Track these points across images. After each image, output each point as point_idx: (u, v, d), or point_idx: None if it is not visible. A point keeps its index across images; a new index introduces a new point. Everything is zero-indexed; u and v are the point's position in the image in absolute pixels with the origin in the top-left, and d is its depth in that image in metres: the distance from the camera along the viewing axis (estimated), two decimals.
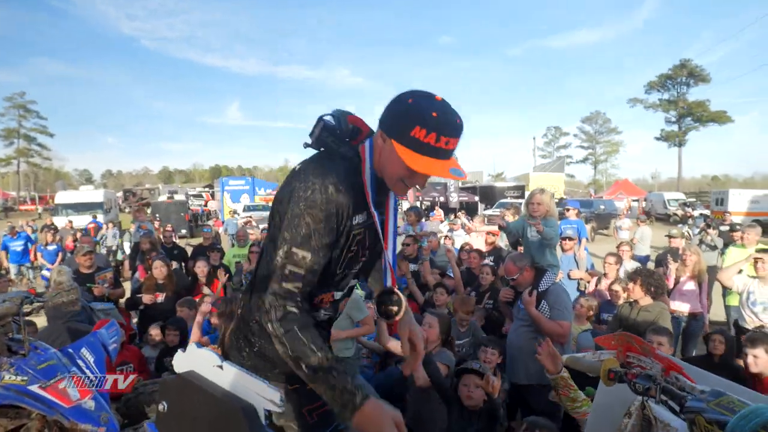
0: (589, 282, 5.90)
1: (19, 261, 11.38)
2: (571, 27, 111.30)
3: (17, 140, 54.57)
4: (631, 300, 4.20)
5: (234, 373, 0.68)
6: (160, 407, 0.75)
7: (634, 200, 31.26)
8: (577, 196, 34.16)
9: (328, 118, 1.50)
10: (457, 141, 1.35)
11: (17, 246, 11.38)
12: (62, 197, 25.16)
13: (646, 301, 4.04)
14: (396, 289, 1.64)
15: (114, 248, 12.36)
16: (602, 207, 21.88)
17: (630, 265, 5.72)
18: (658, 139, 52.91)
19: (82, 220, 19.07)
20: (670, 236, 6.33)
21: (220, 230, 18.74)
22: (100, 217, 20.02)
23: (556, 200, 25.90)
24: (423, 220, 8.29)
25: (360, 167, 1.46)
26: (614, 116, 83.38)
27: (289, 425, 1.56)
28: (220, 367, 0.69)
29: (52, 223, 15.33)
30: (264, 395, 0.65)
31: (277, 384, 1.51)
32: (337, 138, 1.48)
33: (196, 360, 0.72)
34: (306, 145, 1.51)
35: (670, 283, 5.38)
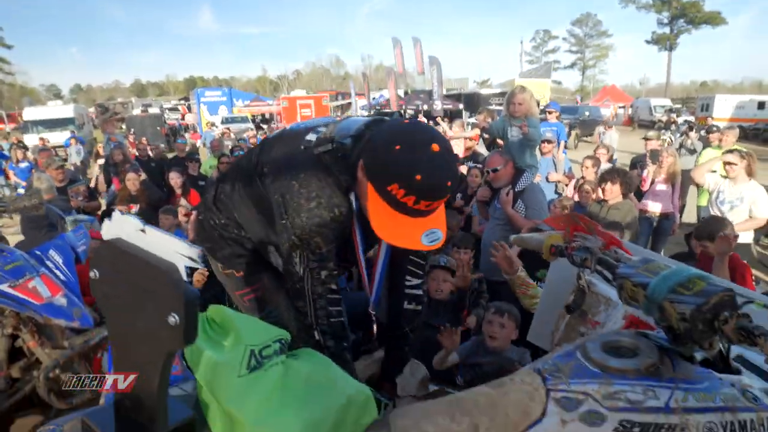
0: (567, 185, 5.99)
1: None
2: None
3: None
4: (600, 199, 4.31)
5: (156, 235, 0.68)
6: (92, 274, 0.75)
7: (620, 107, 30.99)
8: (564, 102, 33.67)
9: (347, 141, 1.33)
10: (442, 201, 1.21)
11: None
12: (30, 114, 24.09)
13: (615, 199, 4.14)
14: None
15: (79, 164, 12.12)
16: (587, 113, 21.60)
17: (606, 167, 5.79)
18: (648, 42, 51.33)
19: (53, 137, 18.45)
20: (646, 138, 6.35)
21: (198, 143, 18.33)
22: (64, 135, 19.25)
23: (542, 107, 25.57)
24: None
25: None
26: (605, 18, 79.56)
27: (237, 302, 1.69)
28: (143, 230, 0.69)
29: (20, 141, 14.85)
30: (183, 253, 0.66)
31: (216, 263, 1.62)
32: (340, 166, 1.32)
33: (122, 226, 0.72)
34: (307, 143, 1.39)
35: (646, 185, 5.50)
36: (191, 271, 0.66)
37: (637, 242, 5.13)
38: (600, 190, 4.37)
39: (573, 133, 18.10)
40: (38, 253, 2.15)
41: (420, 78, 28.58)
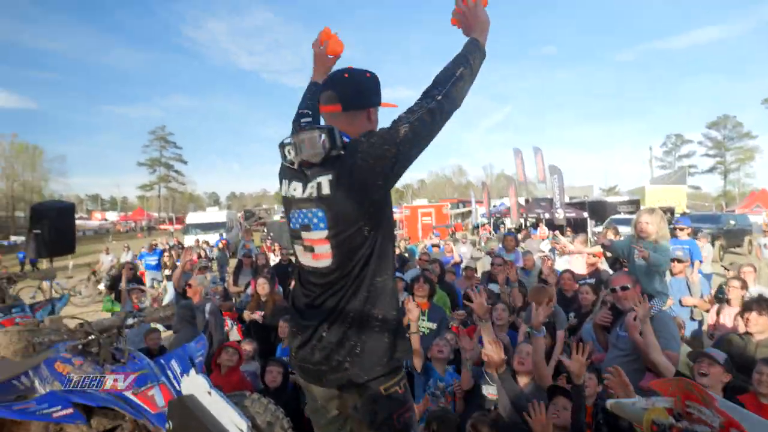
0: (707, 310, 5.22)
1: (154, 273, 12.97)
2: (690, 26, 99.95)
3: (159, 168, 62.63)
4: (741, 333, 3.68)
5: (218, 401, 0.75)
6: (167, 425, 0.83)
7: None
8: (704, 210, 30.46)
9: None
10: None
11: (152, 260, 13.02)
12: (191, 218, 28.41)
13: (763, 334, 3.51)
14: None
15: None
16: (732, 222, 19.00)
17: (757, 290, 4.96)
18: None
19: (209, 238, 21.18)
20: None
21: None
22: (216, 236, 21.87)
23: (678, 215, 23.33)
24: (521, 245, 7.78)
25: None
26: (746, 119, 72.08)
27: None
28: (209, 393, 0.76)
29: (179, 243, 17.27)
30: (236, 423, 0.70)
31: (370, 385, 1.63)
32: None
33: (196, 384, 0.80)
34: (328, 156, 1.63)
35: None
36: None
37: None
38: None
39: (717, 244, 16.06)
40: (162, 362, 2.41)
41: (541, 186, 28.30)
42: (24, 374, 2.38)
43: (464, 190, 64.67)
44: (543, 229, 16.50)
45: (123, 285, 6.99)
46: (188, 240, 21.87)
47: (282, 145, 1.75)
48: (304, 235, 1.71)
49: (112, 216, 66.48)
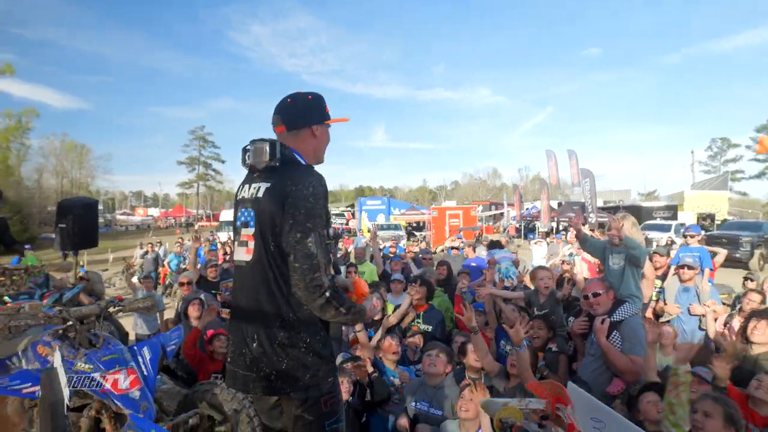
0: (716, 319, 5.04)
1: None
2: (736, 29, 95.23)
3: (198, 167, 64.68)
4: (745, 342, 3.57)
5: (61, 374, 0.85)
6: (38, 391, 0.95)
7: None
8: (750, 217, 28.95)
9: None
10: None
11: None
12: (225, 215, 29.27)
13: (764, 346, 3.39)
14: None
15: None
16: None
17: None
18: None
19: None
20: None
21: (350, 248, 19.87)
22: None
23: (719, 221, 22.25)
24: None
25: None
26: None
27: (303, 415, 1.81)
28: (59, 366, 0.87)
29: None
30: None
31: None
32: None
33: (57, 359, 0.91)
34: (267, 165, 1.84)
35: None
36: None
37: None
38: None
39: (757, 253, 15.30)
40: (135, 348, 2.57)
41: (577, 189, 27.75)
42: (15, 355, 2.62)
43: (498, 192, 63.86)
44: (573, 233, 16.05)
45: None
46: (222, 236, 22.60)
47: (245, 150, 1.95)
48: (243, 231, 1.91)
49: (154, 212, 69.16)
